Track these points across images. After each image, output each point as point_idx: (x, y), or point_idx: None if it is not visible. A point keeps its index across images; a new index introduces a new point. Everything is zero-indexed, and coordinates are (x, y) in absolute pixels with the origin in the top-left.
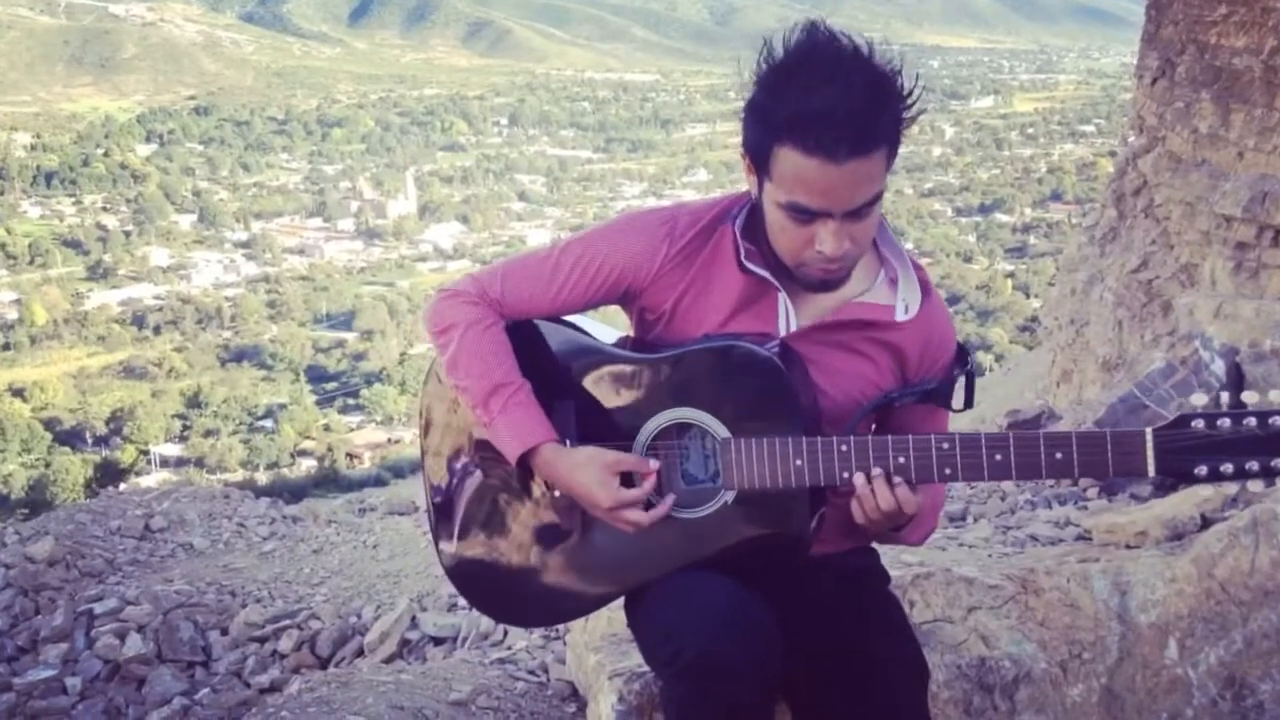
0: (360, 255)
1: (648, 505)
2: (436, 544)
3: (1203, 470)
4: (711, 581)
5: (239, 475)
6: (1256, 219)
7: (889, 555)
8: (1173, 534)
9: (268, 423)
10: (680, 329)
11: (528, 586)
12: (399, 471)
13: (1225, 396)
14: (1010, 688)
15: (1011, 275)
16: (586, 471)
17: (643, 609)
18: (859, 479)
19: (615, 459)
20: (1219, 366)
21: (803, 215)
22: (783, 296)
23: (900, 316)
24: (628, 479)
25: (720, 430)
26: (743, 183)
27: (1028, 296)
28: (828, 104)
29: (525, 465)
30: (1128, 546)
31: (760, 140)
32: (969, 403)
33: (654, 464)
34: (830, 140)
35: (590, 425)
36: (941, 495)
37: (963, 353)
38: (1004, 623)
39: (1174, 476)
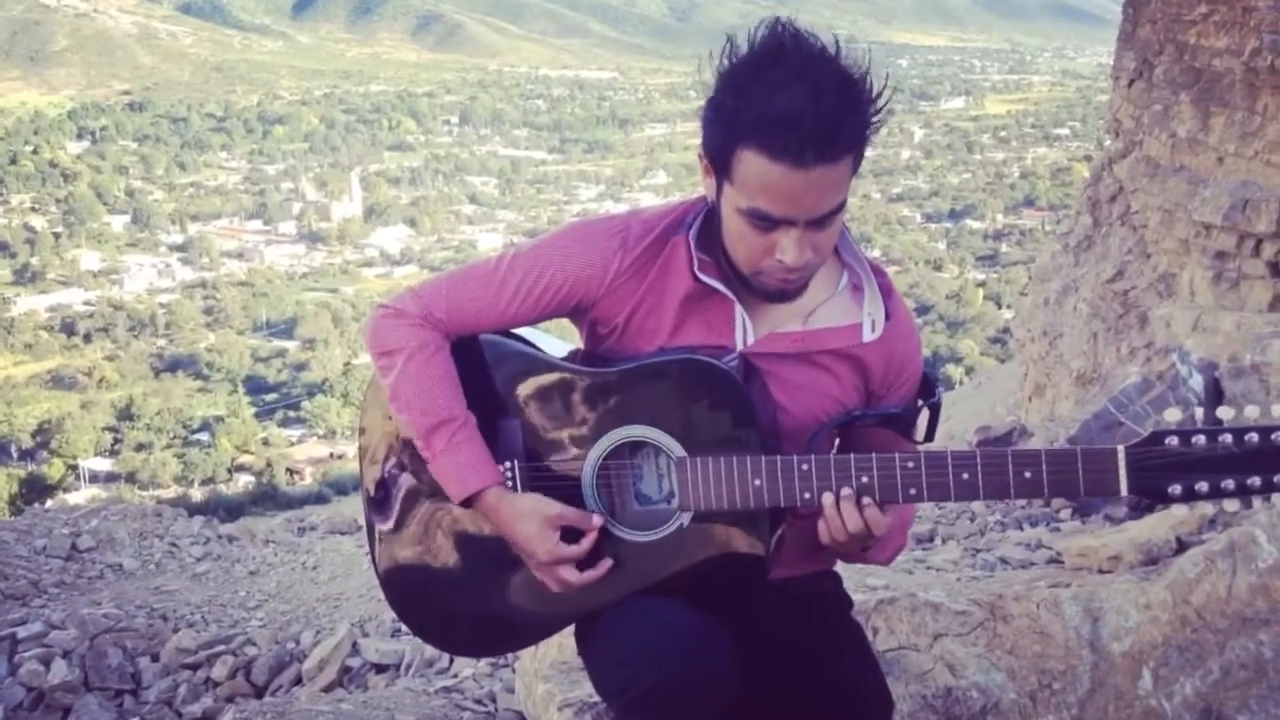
0: (302, 260)
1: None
2: (375, 565)
3: (1177, 489)
4: (666, 607)
5: (172, 491)
6: (1237, 227)
7: (852, 578)
8: (1147, 558)
9: (203, 436)
10: (633, 342)
11: (473, 613)
12: (341, 488)
13: (1200, 413)
14: (978, 719)
15: (983, 284)
16: (528, 522)
17: (594, 636)
18: (826, 499)
19: (559, 513)
20: (1197, 382)
21: (764, 222)
22: (738, 309)
23: (868, 336)
24: (570, 532)
25: (675, 448)
26: (703, 187)
27: (999, 307)
28: (796, 107)
29: (465, 504)
30: (1100, 571)
31: (722, 142)
32: (930, 436)
33: (597, 520)
34: (797, 145)
35: (538, 444)
36: (910, 512)
37: (929, 383)
38: (971, 650)
39: (1147, 496)
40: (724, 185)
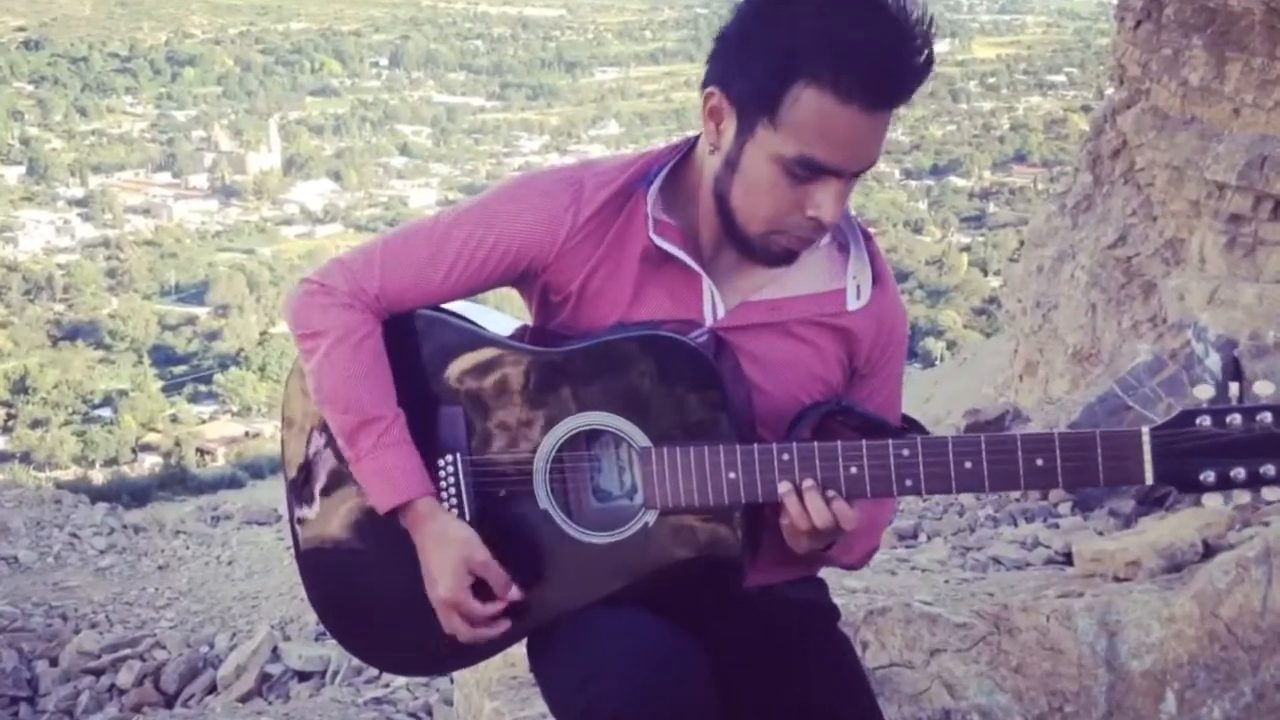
0: (215, 217)
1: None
2: (300, 572)
3: (1210, 476)
4: (631, 619)
5: (71, 473)
6: (1254, 187)
7: (831, 582)
8: (1170, 564)
9: (105, 412)
10: (589, 314)
11: (410, 624)
12: (258, 471)
13: (1234, 388)
14: None
15: (968, 249)
16: (446, 552)
17: (550, 651)
18: (783, 487)
19: (482, 562)
20: (1214, 361)
21: (808, 172)
22: (706, 280)
23: (852, 304)
24: (483, 585)
25: (638, 437)
26: (659, 140)
27: (986, 274)
28: (877, 42)
29: (391, 514)
30: (1117, 579)
31: (770, 77)
32: None
33: (515, 594)
34: (874, 85)
35: (483, 435)
36: (887, 511)
37: (913, 423)
38: (972, 668)
39: (1176, 485)
40: (758, 129)
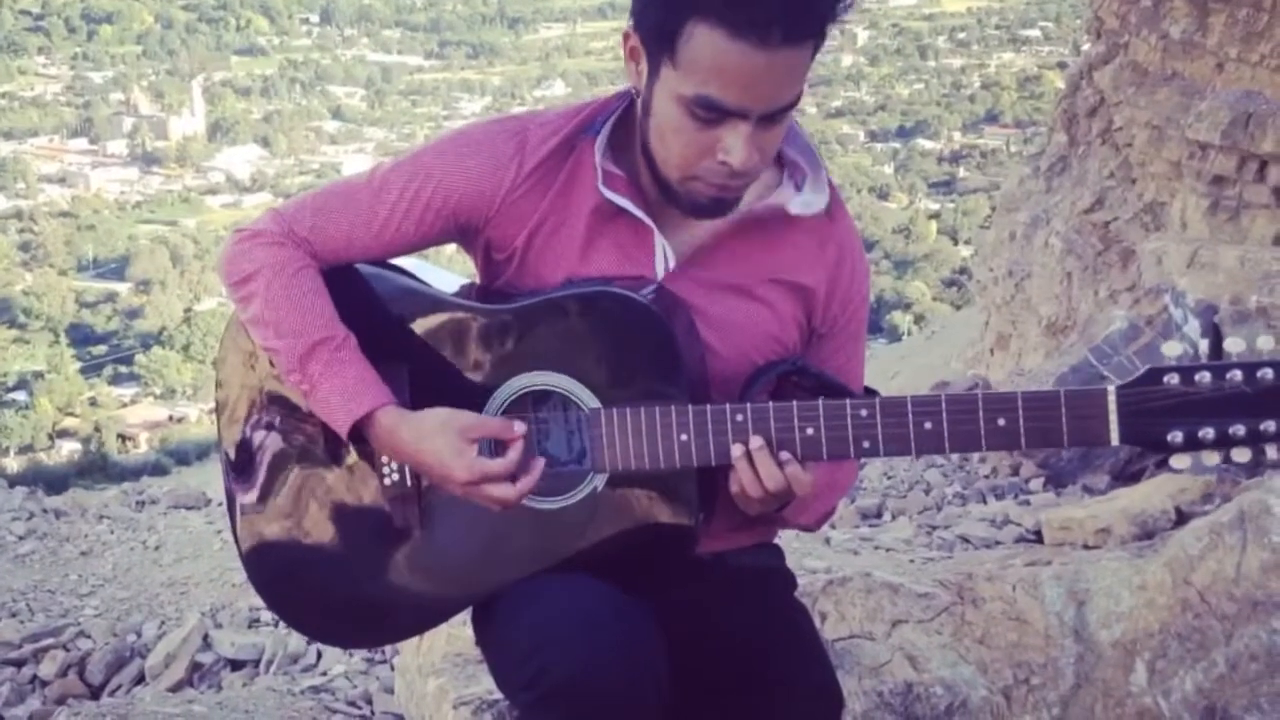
0: (135, 186)
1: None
2: (236, 541)
3: (1178, 436)
4: (580, 587)
5: None
6: (1238, 147)
7: (791, 562)
8: (1141, 531)
9: (20, 395)
10: (535, 271)
11: (353, 596)
12: (183, 457)
13: (1204, 345)
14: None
15: (936, 216)
16: (437, 440)
17: (495, 622)
18: (736, 450)
19: (472, 423)
20: (1193, 327)
21: (710, 114)
22: (658, 236)
23: (795, 209)
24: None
25: (588, 399)
26: (627, 76)
27: (956, 243)
28: None
29: (357, 437)
30: (1086, 547)
31: (667, 12)
32: None
33: (519, 427)
34: (765, 19)
35: (427, 396)
36: (848, 474)
37: (874, 394)
38: (935, 640)
39: (1143, 445)
40: (661, 69)
